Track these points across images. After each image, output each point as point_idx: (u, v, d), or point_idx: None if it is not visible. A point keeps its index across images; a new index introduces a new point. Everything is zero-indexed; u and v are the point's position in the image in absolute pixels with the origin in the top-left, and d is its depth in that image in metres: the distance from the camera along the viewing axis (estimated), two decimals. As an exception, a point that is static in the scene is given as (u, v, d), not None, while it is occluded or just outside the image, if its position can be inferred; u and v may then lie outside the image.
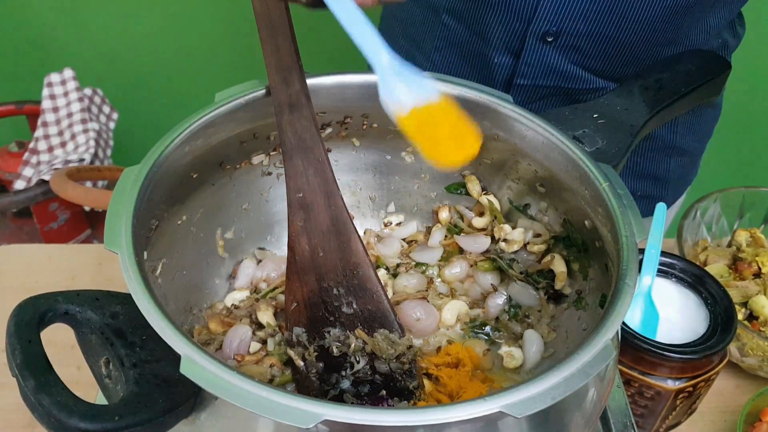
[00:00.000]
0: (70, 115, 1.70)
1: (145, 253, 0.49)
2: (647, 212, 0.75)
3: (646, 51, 0.80)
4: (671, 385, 0.63)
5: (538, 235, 0.64)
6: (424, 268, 0.67)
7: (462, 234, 0.67)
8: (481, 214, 0.67)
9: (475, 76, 0.91)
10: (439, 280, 0.67)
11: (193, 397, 0.43)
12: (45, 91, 1.71)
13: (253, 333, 0.60)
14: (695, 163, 1.02)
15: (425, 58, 0.93)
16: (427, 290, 0.65)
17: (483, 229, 0.66)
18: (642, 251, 0.68)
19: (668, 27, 0.79)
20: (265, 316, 0.60)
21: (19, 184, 1.64)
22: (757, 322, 0.76)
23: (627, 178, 0.95)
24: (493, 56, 0.85)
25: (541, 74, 0.84)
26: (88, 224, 1.74)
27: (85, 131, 1.69)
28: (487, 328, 0.63)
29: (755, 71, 1.58)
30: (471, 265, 0.66)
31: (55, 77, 1.71)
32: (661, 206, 0.69)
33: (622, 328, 0.62)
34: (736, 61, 0.88)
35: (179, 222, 0.58)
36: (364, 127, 0.64)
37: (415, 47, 0.95)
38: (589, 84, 0.85)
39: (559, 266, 0.60)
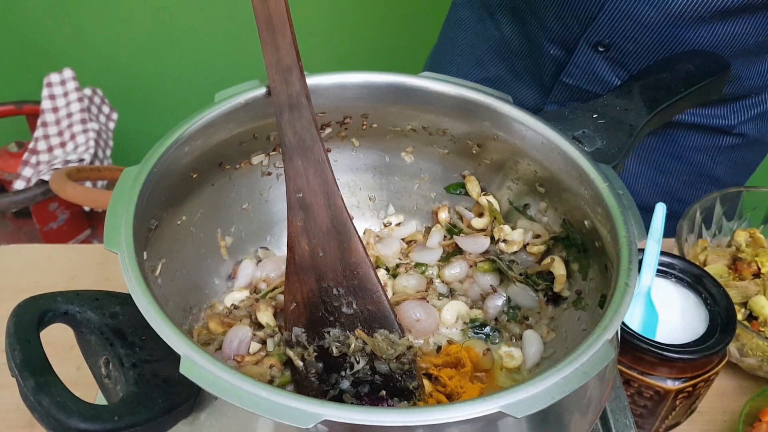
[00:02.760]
0: (69, 115, 1.70)
1: (145, 253, 0.49)
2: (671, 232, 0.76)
3: None
4: (671, 385, 0.63)
5: (537, 236, 0.64)
6: (423, 268, 0.67)
7: (461, 235, 0.67)
8: (480, 215, 0.67)
9: (520, 82, 0.94)
10: (438, 280, 0.67)
11: (192, 398, 0.43)
12: (44, 92, 1.71)
13: (253, 333, 0.60)
14: None
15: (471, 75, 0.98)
16: (426, 290, 0.65)
17: (482, 230, 0.66)
18: (642, 251, 0.68)
19: None
20: (265, 316, 0.60)
21: (18, 184, 1.64)
22: (756, 322, 0.76)
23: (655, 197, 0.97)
24: (548, 48, 0.87)
25: (586, 78, 0.87)
26: (87, 224, 1.74)
27: (85, 131, 1.69)
28: (487, 329, 0.63)
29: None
30: (470, 266, 0.66)
31: (54, 77, 1.71)
32: (660, 206, 0.69)
33: (621, 329, 0.62)
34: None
35: (179, 222, 0.58)
36: (364, 127, 0.64)
37: (459, 68, 0.99)
38: None
39: (558, 269, 0.60)
